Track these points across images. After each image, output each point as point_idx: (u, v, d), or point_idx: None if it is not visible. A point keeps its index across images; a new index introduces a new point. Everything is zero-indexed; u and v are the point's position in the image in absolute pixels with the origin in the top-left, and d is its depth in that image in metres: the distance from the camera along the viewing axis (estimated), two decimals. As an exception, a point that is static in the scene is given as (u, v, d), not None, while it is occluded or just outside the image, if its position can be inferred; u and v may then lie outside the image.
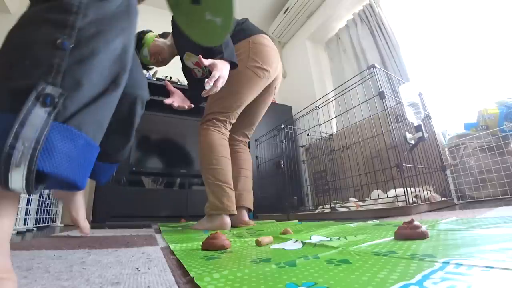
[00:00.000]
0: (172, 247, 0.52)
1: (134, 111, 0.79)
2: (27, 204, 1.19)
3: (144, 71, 2.29)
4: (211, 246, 0.49)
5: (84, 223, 0.84)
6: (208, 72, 1.13)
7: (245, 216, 1.21)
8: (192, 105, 1.21)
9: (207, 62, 0.94)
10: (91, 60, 0.35)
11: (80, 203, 0.83)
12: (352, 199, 1.54)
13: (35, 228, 1.24)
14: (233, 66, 1.02)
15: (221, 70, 0.94)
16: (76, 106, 0.34)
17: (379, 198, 1.31)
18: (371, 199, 1.37)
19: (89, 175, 0.49)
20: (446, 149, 1.64)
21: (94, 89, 0.36)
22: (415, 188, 1.20)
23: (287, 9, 2.93)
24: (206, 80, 0.91)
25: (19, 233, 1.04)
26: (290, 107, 2.92)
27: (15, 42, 0.34)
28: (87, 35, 0.35)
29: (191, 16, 0.87)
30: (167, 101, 1.15)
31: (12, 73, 0.31)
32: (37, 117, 0.30)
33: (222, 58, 0.97)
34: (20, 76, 0.31)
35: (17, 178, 0.28)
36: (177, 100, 1.18)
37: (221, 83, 0.94)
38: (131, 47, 0.44)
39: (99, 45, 0.37)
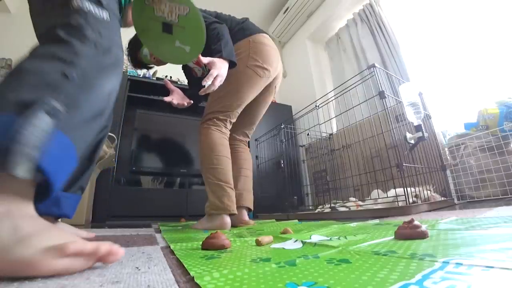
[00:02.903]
0: (172, 246, 0.52)
1: (101, 139, 0.79)
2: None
3: (144, 70, 2.31)
4: (211, 245, 0.49)
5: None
6: (208, 71, 1.13)
7: (245, 215, 1.21)
8: (192, 101, 1.21)
9: (205, 60, 0.94)
10: (90, 92, 0.45)
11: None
12: (352, 198, 1.54)
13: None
14: (232, 65, 1.02)
15: (220, 68, 0.95)
16: (74, 123, 0.42)
17: (379, 198, 1.31)
18: (371, 199, 1.37)
19: (57, 211, 0.58)
20: (446, 149, 1.64)
21: (88, 114, 0.45)
22: (415, 188, 1.20)
23: (287, 9, 2.93)
24: (204, 78, 0.92)
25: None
26: (290, 106, 2.92)
27: (27, 67, 0.40)
28: (88, 74, 0.45)
29: (161, 42, 0.91)
30: (167, 99, 1.15)
31: (23, 89, 0.37)
32: (42, 121, 0.35)
33: (220, 57, 0.98)
34: (30, 91, 0.37)
35: (21, 168, 0.32)
36: (176, 98, 1.19)
37: (219, 82, 0.95)
38: (116, 91, 0.55)
39: (96, 83, 0.47)
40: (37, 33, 0.57)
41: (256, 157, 2.20)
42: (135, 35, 1.28)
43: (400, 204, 1.13)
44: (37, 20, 0.58)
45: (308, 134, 1.90)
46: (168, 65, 1.34)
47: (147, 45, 0.97)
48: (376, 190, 1.42)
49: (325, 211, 1.51)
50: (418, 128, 1.20)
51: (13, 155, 0.32)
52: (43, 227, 0.35)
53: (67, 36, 0.45)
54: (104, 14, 0.55)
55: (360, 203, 1.40)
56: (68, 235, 0.35)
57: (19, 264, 0.29)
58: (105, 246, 0.33)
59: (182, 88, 1.27)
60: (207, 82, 0.91)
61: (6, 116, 0.34)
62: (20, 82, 0.38)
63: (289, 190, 1.92)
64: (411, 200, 1.12)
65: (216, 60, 0.96)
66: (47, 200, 0.38)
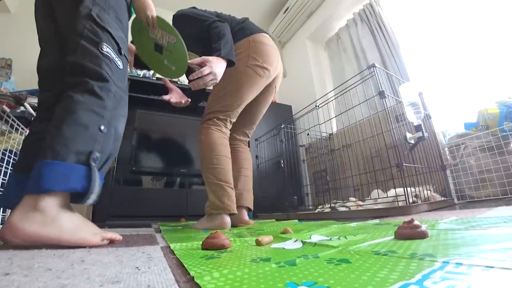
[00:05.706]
0: (172, 246, 0.52)
1: None
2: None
3: (145, 71, 2.31)
4: (211, 245, 0.49)
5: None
6: None
7: (245, 215, 1.21)
8: (190, 100, 1.21)
9: (197, 60, 0.94)
10: (110, 138, 0.64)
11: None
12: (352, 198, 1.54)
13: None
14: (230, 64, 1.02)
15: (214, 67, 0.95)
16: (102, 163, 0.63)
17: (379, 198, 1.31)
18: (371, 199, 1.37)
19: None
20: (446, 149, 1.64)
21: (108, 153, 0.64)
22: (415, 188, 1.20)
23: (287, 9, 2.93)
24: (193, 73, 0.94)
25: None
26: (290, 106, 2.92)
27: (79, 120, 0.59)
28: (110, 124, 0.64)
29: (153, 58, 1.04)
30: (165, 97, 1.17)
31: (78, 141, 0.58)
32: (94, 167, 0.59)
33: (219, 55, 0.98)
34: (82, 144, 0.58)
35: (91, 201, 0.59)
36: (174, 96, 1.19)
37: (210, 79, 0.95)
38: (123, 130, 0.72)
39: (113, 131, 0.65)
40: (59, 40, 0.72)
41: (256, 157, 2.20)
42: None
43: (400, 204, 1.12)
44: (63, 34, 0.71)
45: (308, 134, 1.90)
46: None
47: (142, 57, 1.09)
48: (376, 190, 1.42)
49: (325, 211, 1.51)
50: (418, 128, 1.20)
51: (89, 197, 0.57)
52: (83, 219, 0.59)
53: (100, 92, 0.63)
54: (119, 63, 0.69)
55: (360, 203, 1.40)
56: (95, 226, 0.61)
57: (81, 240, 0.54)
58: (118, 237, 0.62)
59: (182, 88, 1.27)
60: (193, 76, 0.93)
61: (79, 166, 0.57)
62: (75, 133, 0.57)
63: (289, 190, 1.92)
64: (411, 200, 1.11)
65: (212, 58, 0.96)
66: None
